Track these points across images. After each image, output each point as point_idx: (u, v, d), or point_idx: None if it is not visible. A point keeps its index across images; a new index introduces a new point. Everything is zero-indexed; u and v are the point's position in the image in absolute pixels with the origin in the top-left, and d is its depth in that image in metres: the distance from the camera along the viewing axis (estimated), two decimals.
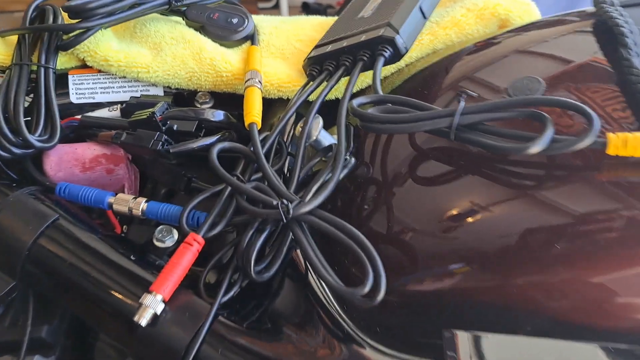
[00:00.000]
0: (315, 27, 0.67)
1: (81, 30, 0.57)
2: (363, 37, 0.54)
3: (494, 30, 0.60)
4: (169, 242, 0.50)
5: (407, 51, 0.53)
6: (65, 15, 0.60)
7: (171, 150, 0.50)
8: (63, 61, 0.60)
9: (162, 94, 0.61)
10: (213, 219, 0.46)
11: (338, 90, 0.59)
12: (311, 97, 0.54)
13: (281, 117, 0.52)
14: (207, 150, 0.50)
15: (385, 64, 0.53)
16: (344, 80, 0.56)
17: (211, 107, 0.63)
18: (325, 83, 0.55)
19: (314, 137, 0.51)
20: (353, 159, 0.49)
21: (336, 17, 0.66)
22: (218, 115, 0.52)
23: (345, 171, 0.48)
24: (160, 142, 0.49)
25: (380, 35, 0.52)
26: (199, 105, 0.62)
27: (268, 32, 0.65)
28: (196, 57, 0.60)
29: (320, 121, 0.51)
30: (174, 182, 0.54)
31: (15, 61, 0.56)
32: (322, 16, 0.71)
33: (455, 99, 0.48)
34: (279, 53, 0.64)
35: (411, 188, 0.46)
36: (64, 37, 0.58)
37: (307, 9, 2.50)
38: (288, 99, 0.60)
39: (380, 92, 0.49)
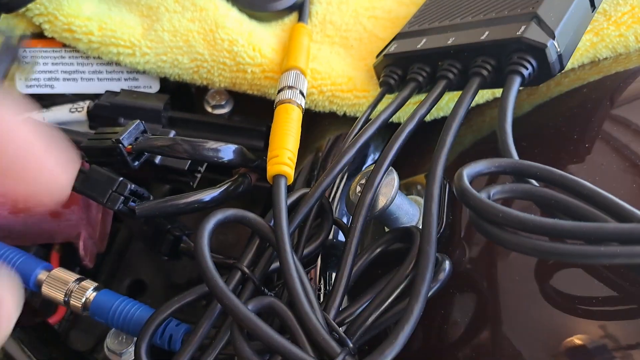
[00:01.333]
0: None
1: None
2: (486, 34, 0.31)
3: None
4: (128, 357, 0.31)
5: (563, 69, 0.30)
6: None
7: (137, 211, 0.29)
8: (11, 27, 0.40)
9: (157, 87, 0.40)
10: (194, 348, 0.26)
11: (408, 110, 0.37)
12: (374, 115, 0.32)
13: (332, 162, 0.30)
14: (200, 208, 0.30)
15: (522, 85, 0.30)
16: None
17: (228, 112, 0.41)
18: (405, 100, 0.33)
19: (383, 206, 0.29)
20: (447, 262, 0.27)
21: None
22: (227, 152, 0.31)
23: (438, 284, 0.26)
24: (121, 199, 0.29)
25: (520, 36, 0.29)
26: (209, 109, 0.41)
27: (326, 1, 0.42)
28: (209, 36, 0.38)
29: (395, 178, 0.30)
30: (151, 242, 0.34)
31: None
32: None
33: None
34: (338, 37, 0.41)
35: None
36: None
37: None
38: (345, 116, 0.38)
39: (513, 150, 0.27)
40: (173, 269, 0.39)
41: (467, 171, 0.25)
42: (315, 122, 0.34)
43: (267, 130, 0.39)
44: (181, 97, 0.40)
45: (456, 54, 0.32)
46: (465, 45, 0.32)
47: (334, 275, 0.34)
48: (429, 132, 0.34)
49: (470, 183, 0.25)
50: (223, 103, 0.40)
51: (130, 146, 0.31)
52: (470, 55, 0.32)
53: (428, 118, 0.37)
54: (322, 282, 0.33)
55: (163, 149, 0.31)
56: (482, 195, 0.24)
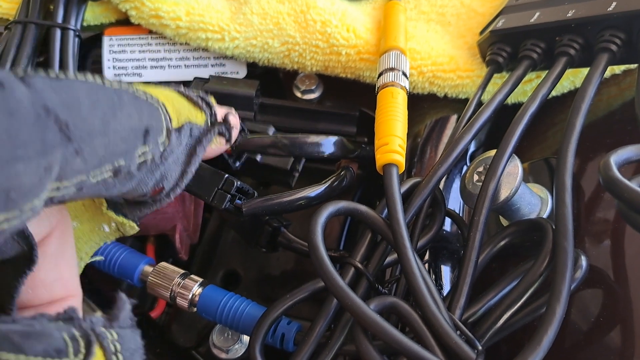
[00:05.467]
0: None
1: None
2: (614, 5, 0.28)
3: None
4: (234, 354, 0.30)
5: None
6: None
7: (244, 210, 0.28)
8: (97, 13, 0.39)
9: (244, 72, 0.39)
10: (311, 349, 0.25)
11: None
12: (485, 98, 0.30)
13: (446, 149, 0.28)
14: (306, 205, 0.29)
15: None
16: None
17: (318, 97, 0.40)
18: (519, 79, 0.30)
19: (507, 197, 0.27)
20: (584, 258, 0.25)
21: None
22: (328, 146, 0.29)
23: (576, 283, 0.24)
24: (228, 198, 0.27)
25: None
26: (299, 94, 0.39)
27: None
28: (299, 17, 0.36)
29: (519, 165, 0.27)
30: (249, 234, 0.33)
31: (18, 18, 0.35)
32: None
33: None
34: (434, 13, 0.38)
35: None
36: None
37: None
38: (445, 98, 0.36)
39: None
40: (266, 259, 0.37)
41: (615, 158, 0.22)
42: (413, 105, 0.32)
43: (360, 115, 0.37)
44: (269, 82, 0.39)
45: (578, 28, 0.29)
46: (590, 18, 0.29)
47: (443, 268, 0.32)
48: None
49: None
50: (313, 88, 0.39)
51: (229, 148, 0.29)
52: (594, 29, 0.29)
53: (508, 102, 0.34)
54: (433, 276, 0.31)
55: (265, 148, 0.29)
56: (636, 186, 0.21)
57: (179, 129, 0.22)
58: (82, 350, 0.17)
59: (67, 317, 0.18)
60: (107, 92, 0.18)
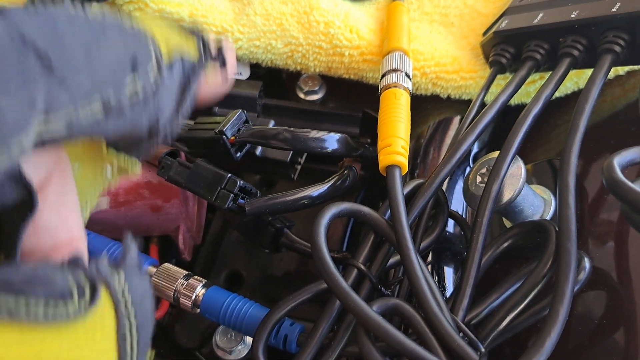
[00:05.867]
0: None
1: None
2: (617, 6, 0.28)
3: None
4: (237, 355, 0.30)
5: None
6: None
7: (247, 210, 0.28)
8: None
9: (247, 73, 0.39)
10: (314, 350, 0.25)
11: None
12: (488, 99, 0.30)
13: (449, 151, 0.28)
14: (309, 204, 0.29)
15: None
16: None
17: (321, 98, 0.40)
18: (523, 80, 0.30)
19: (510, 198, 0.27)
20: (587, 260, 0.25)
21: None
22: (331, 142, 0.29)
23: (579, 285, 0.24)
24: (231, 197, 0.27)
25: None
26: (302, 95, 0.39)
27: None
28: (303, 18, 0.36)
29: (522, 167, 0.27)
30: (252, 235, 0.33)
31: None
32: None
33: None
34: (437, 14, 0.38)
35: None
36: None
37: None
38: (448, 99, 0.36)
39: None
40: (269, 260, 0.37)
41: (618, 160, 0.22)
42: (416, 106, 0.32)
43: (363, 116, 0.37)
44: (272, 83, 0.39)
45: (582, 28, 0.29)
46: (594, 19, 0.29)
47: (445, 269, 0.32)
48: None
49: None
50: (316, 89, 0.39)
51: (233, 137, 0.29)
52: (598, 30, 0.29)
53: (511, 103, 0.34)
54: (436, 278, 0.31)
55: (267, 139, 0.29)
56: (639, 188, 0.21)
57: (169, 58, 0.21)
58: (87, 293, 0.16)
59: (72, 262, 0.17)
60: (89, 23, 0.18)
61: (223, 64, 0.24)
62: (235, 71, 0.26)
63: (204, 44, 0.23)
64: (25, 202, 0.19)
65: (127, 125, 0.19)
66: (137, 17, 0.21)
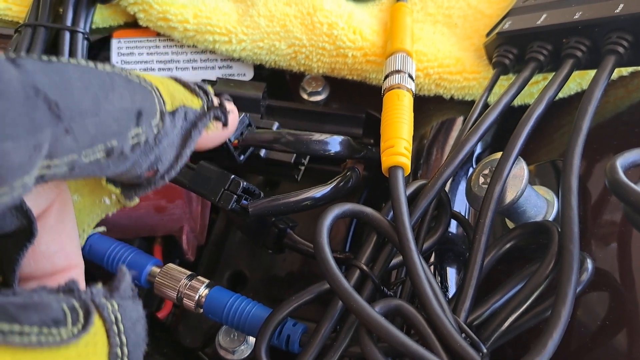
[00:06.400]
0: None
1: None
2: (621, 8, 0.28)
3: None
4: (240, 355, 0.30)
5: None
6: None
7: (250, 211, 0.28)
8: (105, 16, 0.39)
9: (251, 74, 0.39)
10: (316, 351, 0.25)
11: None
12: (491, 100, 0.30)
13: (452, 151, 0.28)
14: (312, 206, 0.29)
15: None
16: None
17: (325, 99, 0.40)
18: (526, 81, 0.30)
19: (513, 199, 0.27)
20: (589, 261, 0.25)
21: None
22: (334, 144, 0.29)
23: (582, 286, 0.24)
24: (234, 198, 0.28)
25: None
26: (305, 96, 0.40)
27: None
28: (306, 20, 0.36)
29: (524, 168, 0.27)
30: (255, 235, 0.33)
31: (28, 21, 0.35)
32: None
33: None
34: (441, 15, 0.38)
35: None
36: None
37: None
38: (451, 100, 0.36)
39: None
40: (272, 261, 0.38)
41: (621, 161, 0.22)
42: (419, 107, 0.32)
43: (366, 117, 0.37)
44: (276, 84, 0.39)
45: (585, 30, 0.29)
46: (597, 20, 0.29)
47: (448, 270, 0.32)
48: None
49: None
50: (319, 90, 0.39)
51: (236, 141, 0.29)
52: (602, 31, 0.29)
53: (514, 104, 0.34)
54: (438, 278, 0.31)
55: (270, 143, 0.29)
56: (624, 169, 0.21)
57: (173, 112, 0.22)
58: (81, 320, 0.17)
59: (68, 288, 0.18)
60: (99, 74, 0.19)
61: (225, 124, 0.25)
62: (234, 132, 0.27)
63: (208, 99, 0.24)
64: (25, 229, 0.20)
65: (127, 168, 0.20)
66: (144, 73, 0.22)
